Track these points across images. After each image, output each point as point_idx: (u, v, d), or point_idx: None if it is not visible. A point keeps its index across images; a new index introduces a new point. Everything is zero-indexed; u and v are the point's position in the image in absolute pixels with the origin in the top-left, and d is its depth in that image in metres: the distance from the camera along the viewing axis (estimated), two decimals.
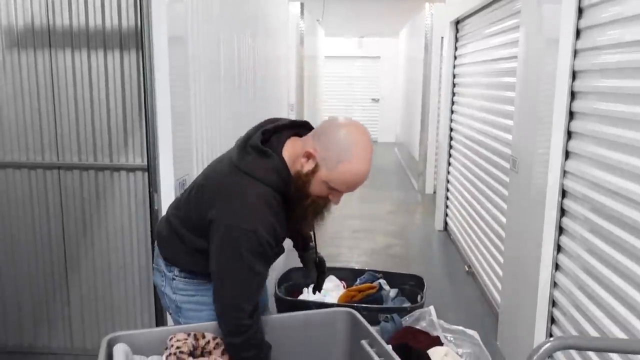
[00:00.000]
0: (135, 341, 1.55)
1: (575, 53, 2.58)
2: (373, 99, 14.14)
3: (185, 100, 2.87)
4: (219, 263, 1.55)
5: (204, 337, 1.57)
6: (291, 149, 1.62)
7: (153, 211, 2.73)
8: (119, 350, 1.48)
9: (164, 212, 2.82)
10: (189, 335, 1.56)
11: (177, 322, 1.83)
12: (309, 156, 1.56)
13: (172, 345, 1.51)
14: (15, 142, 3.02)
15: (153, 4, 2.50)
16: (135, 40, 2.87)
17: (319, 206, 1.62)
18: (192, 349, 1.53)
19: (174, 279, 1.77)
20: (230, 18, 3.46)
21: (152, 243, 2.93)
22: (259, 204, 1.53)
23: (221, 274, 1.56)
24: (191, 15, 2.83)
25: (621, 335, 2.14)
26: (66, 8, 2.88)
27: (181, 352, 1.49)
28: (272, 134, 1.65)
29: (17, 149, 3.03)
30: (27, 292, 3.14)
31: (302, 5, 7.69)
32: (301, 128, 1.70)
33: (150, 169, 2.74)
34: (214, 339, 1.58)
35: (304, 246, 2.07)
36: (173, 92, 2.70)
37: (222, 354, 1.58)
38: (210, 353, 1.57)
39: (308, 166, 1.57)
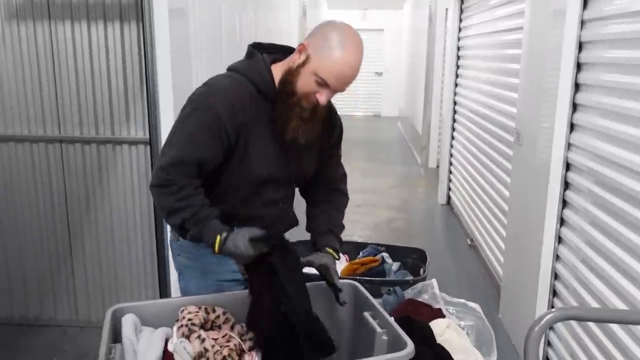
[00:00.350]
0: (140, 313, 1.56)
1: (582, 24, 2.53)
2: (376, 73, 14.02)
3: (186, 72, 2.85)
4: (174, 124, 1.61)
5: (214, 311, 1.58)
6: (281, 66, 1.63)
7: None
8: (128, 320, 1.49)
9: None
10: (199, 308, 1.57)
11: (181, 289, 1.84)
12: (301, 49, 1.56)
13: (183, 318, 1.52)
14: (16, 115, 3.01)
15: None
16: (136, 11, 2.83)
17: (305, 110, 1.58)
18: (203, 321, 1.54)
19: (177, 239, 1.78)
20: None
21: (155, 216, 2.95)
22: (229, 87, 1.57)
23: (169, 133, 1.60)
24: None
25: (622, 307, 2.15)
26: None
27: (193, 324, 1.50)
28: (266, 50, 1.68)
29: (19, 122, 3.01)
30: (31, 265, 3.16)
31: None
32: None
33: (152, 142, 2.73)
34: (224, 313, 1.59)
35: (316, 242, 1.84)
36: (174, 64, 2.67)
37: (231, 328, 1.59)
38: (219, 327, 1.58)
39: (300, 59, 1.56)
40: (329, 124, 1.77)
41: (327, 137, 1.78)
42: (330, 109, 1.75)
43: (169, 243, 1.90)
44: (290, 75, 1.57)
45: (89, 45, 2.91)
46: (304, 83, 1.55)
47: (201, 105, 1.56)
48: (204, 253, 1.65)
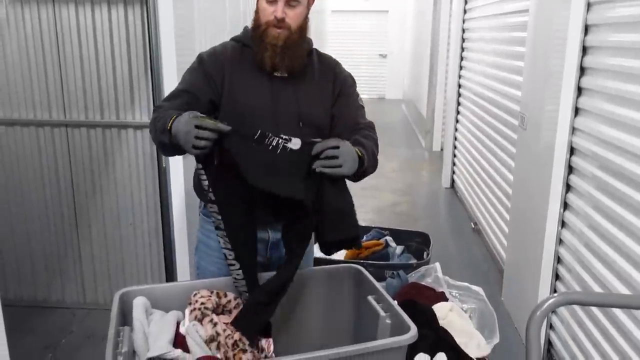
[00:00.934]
0: (149, 296, 1.57)
1: (589, 6, 2.51)
2: (381, 55, 13.93)
3: (190, 55, 2.84)
4: None
5: (225, 295, 1.60)
6: None
7: (161, 169, 2.75)
8: (139, 303, 1.51)
9: (171, 170, 2.84)
10: (212, 292, 1.59)
11: (195, 263, 1.94)
12: None
13: (196, 301, 1.54)
14: (22, 99, 3.02)
15: None
16: None
17: (274, 38, 1.69)
18: (215, 306, 1.56)
19: (199, 214, 1.92)
20: None
21: (161, 200, 2.97)
22: (216, 46, 1.83)
23: None
24: None
25: (625, 291, 2.16)
26: None
27: (206, 308, 1.52)
28: None
29: (24, 106, 3.02)
30: (39, 248, 3.20)
31: None
32: None
33: None
34: (235, 298, 1.61)
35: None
36: (178, 47, 2.67)
37: None
38: (230, 312, 1.59)
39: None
40: (330, 71, 1.85)
41: (330, 82, 1.83)
42: (329, 60, 1.88)
43: None
44: (255, 14, 1.75)
45: (93, 29, 2.91)
46: (261, 10, 1.72)
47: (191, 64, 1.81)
48: (212, 229, 1.70)
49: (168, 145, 1.62)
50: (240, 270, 1.59)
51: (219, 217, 1.57)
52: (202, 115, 1.53)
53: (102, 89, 2.98)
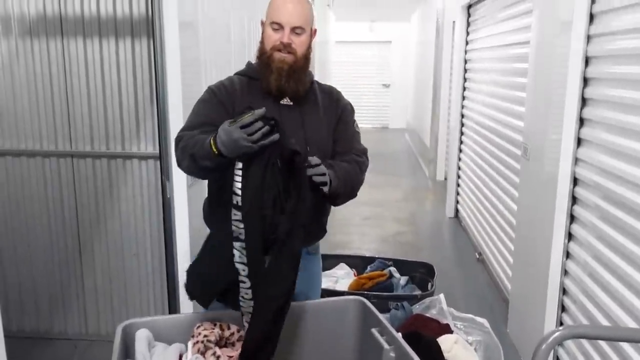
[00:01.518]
0: (152, 328, 1.57)
1: (589, 38, 2.55)
2: (384, 84, 14.06)
3: (196, 87, 2.88)
4: None
5: (229, 328, 1.59)
6: None
7: (165, 199, 2.76)
8: (142, 335, 1.51)
9: (176, 200, 2.85)
10: (215, 325, 1.58)
11: None
12: (261, 24, 1.86)
13: (199, 334, 1.53)
14: (29, 130, 3.05)
15: None
16: (147, 27, 2.88)
17: (280, 62, 1.78)
18: (218, 338, 1.55)
19: None
20: (239, 2, 3.45)
21: (165, 230, 2.97)
22: (223, 80, 1.90)
23: None
24: (201, 0, 2.84)
25: (632, 324, 2.14)
26: None
27: (208, 341, 1.51)
28: None
29: (31, 137, 3.06)
30: (42, 279, 3.19)
31: None
32: None
33: (162, 157, 2.76)
34: (238, 331, 1.60)
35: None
36: (184, 79, 2.70)
37: None
38: (233, 344, 1.59)
39: (262, 29, 1.85)
40: (332, 99, 1.93)
41: (332, 109, 1.91)
42: (330, 90, 1.97)
43: None
44: (260, 44, 1.85)
45: (101, 61, 2.96)
46: (267, 37, 1.81)
47: (200, 97, 1.89)
48: None
49: (210, 167, 1.63)
50: (250, 290, 1.56)
51: (241, 227, 1.54)
52: (232, 120, 1.54)
53: (108, 119, 3.01)
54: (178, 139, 1.78)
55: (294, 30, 1.78)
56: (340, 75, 13.16)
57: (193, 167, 1.70)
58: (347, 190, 1.78)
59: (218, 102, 1.81)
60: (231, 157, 1.54)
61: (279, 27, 1.78)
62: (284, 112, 1.81)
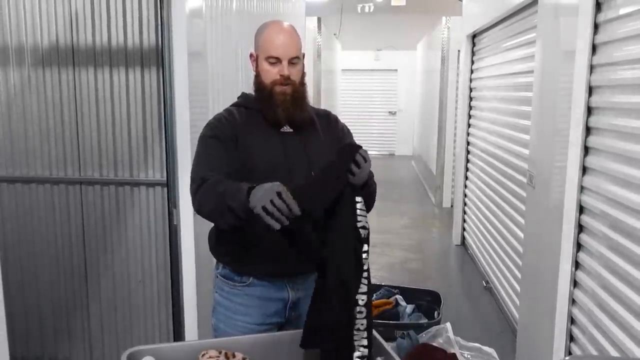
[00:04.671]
0: (157, 356, 1.56)
1: (592, 68, 2.57)
2: (390, 112, 14.14)
3: (204, 115, 2.92)
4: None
5: (234, 356, 1.59)
6: None
7: (172, 226, 2.77)
8: None
9: (182, 227, 2.87)
10: (220, 352, 1.57)
11: (212, 326, 1.92)
12: (251, 58, 1.88)
13: None
14: (39, 157, 3.09)
15: (173, 22, 2.56)
16: (156, 57, 2.93)
17: (282, 94, 1.80)
18: None
19: (216, 276, 1.91)
20: (248, 32, 3.51)
21: (171, 258, 2.98)
22: (220, 113, 1.89)
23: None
24: (210, 30, 2.89)
25: (638, 352, 2.12)
26: (89, 27, 2.95)
27: None
28: None
29: (41, 164, 3.10)
30: (48, 305, 3.19)
31: (319, 19, 7.76)
32: None
33: (170, 185, 2.78)
34: (243, 358, 1.59)
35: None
36: (192, 107, 2.74)
37: None
38: None
39: (254, 64, 1.86)
40: (330, 122, 1.96)
41: (332, 132, 1.93)
42: (326, 113, 2.00)
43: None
44: (257, 78, 1.86)
45: (111, 90, 3.01)
46: (265, 72, 1.81)
47: (202, 133, 1.86)
48: (235, 292, 1.76)
49: (232, 218, 1.57)
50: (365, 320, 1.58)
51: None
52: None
53: (117, 147, 3.05)
54: (200, 181, 1.70)
55: (290, 61, 1.79)
56: (346, 103, 13.28)
57: (214, 211, 1.64)
58: (372, 193, 1.78)
59: (222, 136, 1.80)
60: (250, 206, 1.48)
61: (276, 60, 1.79)
62: (286, 139, 1.83)
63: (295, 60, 1.81)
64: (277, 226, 1.45)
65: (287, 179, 1.68)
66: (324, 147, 1.87)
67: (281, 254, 1.70)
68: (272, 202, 1.43)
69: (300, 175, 1.77)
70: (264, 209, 1.44)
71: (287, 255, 1.70)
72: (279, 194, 1.44)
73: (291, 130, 1.84)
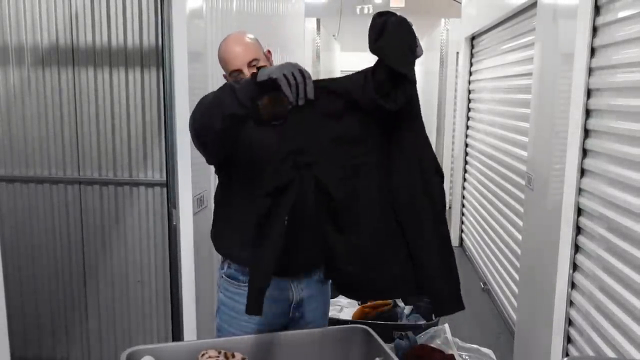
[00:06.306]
0: (156, 356, 1.56)
1: (590, 71, 2.58)
2: None
3: None
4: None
5: (233, 356, 1.59)
6: None
7: (171, 227, 2.78)
8: None
9: (182, 227, 2.87)
10: (219, 352, 1.57)
11: (216, 326, 1.92)
12: (225, 78, 1.89)
13: None
14: (38, 157, 3.09)
15: (173, 22, 2.57)
16: (156, 57, 2.94)
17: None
18: None
19: (221, 276, 1.89)
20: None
21: (170, 258, 2.98)
22: None
23: None
24: (210, 30, 2.89)
25: (638, 356, 2.12)
26: (89, 27, 2.96)
27: None
28: None
29: (40, 164, 3.10)
30: (46, 305, 3.19)
31: (318, 21, 7.77)
32: None
33: (169, 185, 2.79)
34: (243, 358, 1.60)
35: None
36: (192, 107, 2.74)
37: None
38: None
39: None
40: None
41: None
42: None
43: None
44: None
45: (110, 91, 3.01)
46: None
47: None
48: (241, 293, 1.74)
49: (239, 115, 1.54)
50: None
51: None
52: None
53: (116, 147, 3.05)
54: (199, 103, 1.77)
55: (249, 65, 1.81)
56: None
57: (215, 115, 1.60)
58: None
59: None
60: (265, 75, 1.46)
61: (238, 71, 1.82)
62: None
63: (255, 62, 1.82)
64: (292, 98, 1.44)
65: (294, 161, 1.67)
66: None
67: (289, 250, 1.68)
68: (292, 73, 1.44)
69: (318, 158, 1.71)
70: (285, 76, 1.43)
71: (294, 254, 1.70)
72: (300, 71, 1.46)
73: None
